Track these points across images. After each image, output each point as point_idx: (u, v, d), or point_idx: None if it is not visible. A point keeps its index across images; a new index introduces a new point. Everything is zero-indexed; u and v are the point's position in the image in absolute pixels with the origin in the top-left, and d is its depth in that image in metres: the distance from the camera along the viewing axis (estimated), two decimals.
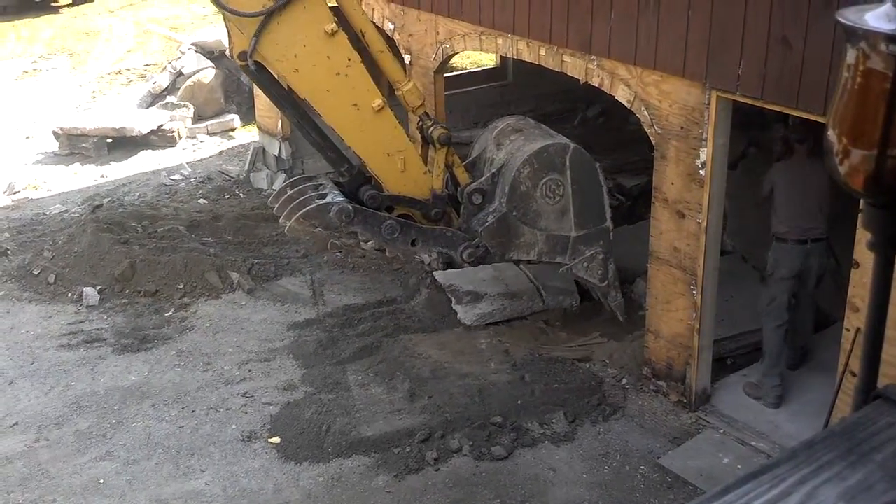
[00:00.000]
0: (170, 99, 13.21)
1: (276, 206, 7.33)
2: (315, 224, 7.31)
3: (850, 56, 1.73)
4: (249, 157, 11.48)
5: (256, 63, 6.64)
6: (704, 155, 6.23)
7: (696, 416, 6.78)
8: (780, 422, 6.57)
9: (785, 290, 6.64)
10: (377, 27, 7.02)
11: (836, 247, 6.80)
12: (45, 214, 10.43)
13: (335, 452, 6.49)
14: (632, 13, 6.43)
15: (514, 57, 7.81)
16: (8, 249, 9.40)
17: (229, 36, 6.71)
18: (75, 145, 12.23)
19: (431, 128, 7.14)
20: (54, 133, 12.38)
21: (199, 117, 13.05)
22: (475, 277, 8.51)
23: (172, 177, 11.51)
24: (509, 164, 7.19)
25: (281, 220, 7.20)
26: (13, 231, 9.92)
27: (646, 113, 6.56)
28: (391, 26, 8.85)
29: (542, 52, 7.30)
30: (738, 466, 6.21)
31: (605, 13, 6.63)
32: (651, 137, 6.60)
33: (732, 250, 8.40)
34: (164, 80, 13.52)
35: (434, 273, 8.72)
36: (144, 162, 12.05)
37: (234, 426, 6.82)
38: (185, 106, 12.96)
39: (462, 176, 7.34)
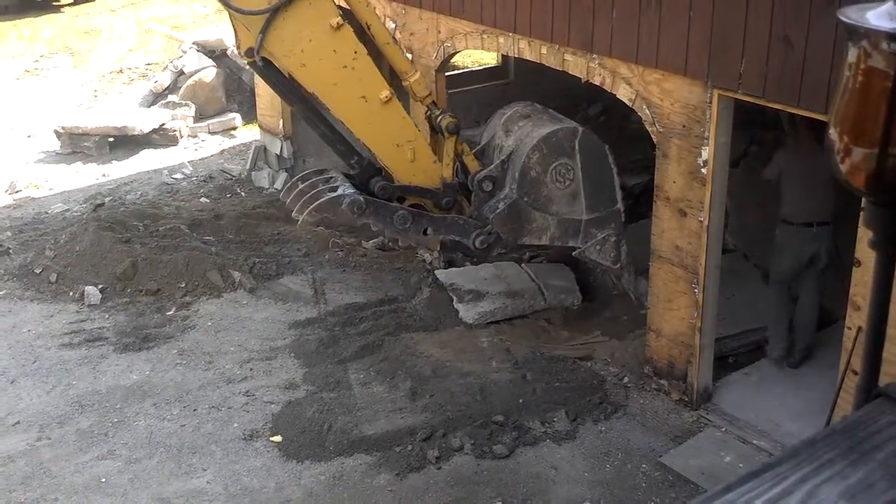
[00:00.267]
0: (171, 98, 13.21)
1: (289, 199, 7.33)
2: (327, 216, 7.32)
3: (852, 55, 1.73)
4: (251, 155, 11.48)
5: (264, 59, 6.67)
6: (706, 153, 6.23)
7: (697, 414, 6.78)
8: (782, 420, 6.57)
9: (789, 272, 6.89)
10: None
11: (838, 242, 6.82)
12: (46, 213, 10.44)
13: (337, 451, 6.49)
14: (633, 12, 6.43)
15: (516, 56, 7.80)
16: (10, 248, 9.41)
17: (236, 33, 6.74)
18: (77, 144, 12.24)
19: (440, 117, 7.16)
20: (56, 132, 12.39)
21: (200, 116, 13.06)
22: (476, 276, 8.51)
23: (174, 176, 11.51)
24: (518, 150, 7.18)
25: (293, 213, 7.20)
26: (15, 230, 9.93)
27: (647, 111, 6.56)
28: (393, 25, 8.85)
29: (544, 50, 7.30)
30: (740, 465, 6.21)
31: (606, 12, 6.63)
32: (653, 136, 6.59)
33: (734, 248, 8.40)
34: (165, 79, 13.51)
35: (435, 272, 8.72)
36: (146, 161, 12.06)
37: (235, 425, 6.83)
38: (186, 105, 12.96)
39: (472, 164, 7.35)
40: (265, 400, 7.09)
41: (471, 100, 11.53)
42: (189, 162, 11.94)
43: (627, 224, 8.90)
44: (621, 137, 10.58)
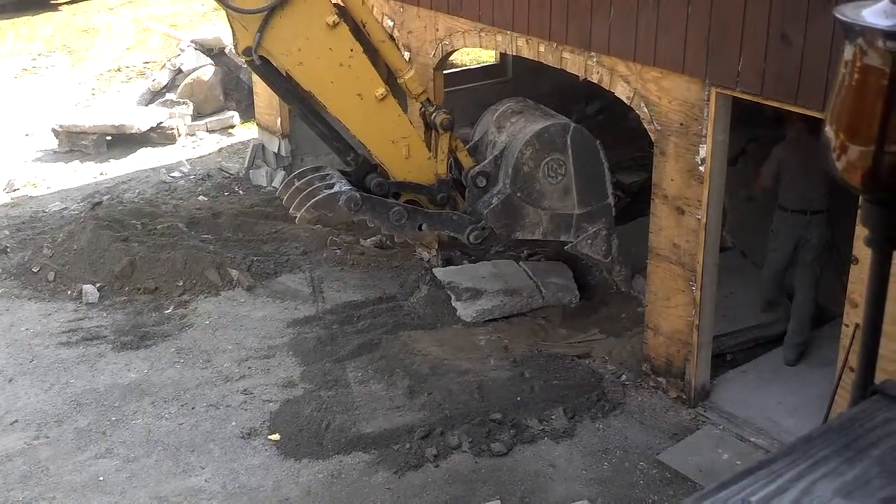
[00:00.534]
0: (169, 96, 13.19)
1: (286, 197, 7.40)
2: (325, 213, 7.40)
3: (848, 52, 1.72)
4: (249, 154, 11.47)
5: (261, 58, 6.73)
6: (704, 151, 6.23)
7: (695, 412, 6.78)
8: (780, 418, 6.58)
9: (782, 258, 7.10)
10: None
11: (837, 240, 6.85)
12: (44, 212, 10.43)
13: (335, 449, 6.50)
14: (631, 10, 6.43)
15: (514, 54, 7.81)
16: (7, 247, 9.40)
17: (233, 33, 6.80)
18: (75, 143, 12.22)
19: (434, 114, 7.23)
20: (54, 131, 12.37)
21: (198, 114, 13.04)
22: (474, 274, 8.52)
23: (172, 174, 11.50)
24: (511, 146, 7.29)
25: (291, 210, 7.26)
26: (13, 228, 9.92)
27: (645, 109, 6.56)
28: (391, 23, 8.84)
29: (542, 48, 7.30)
30: (737, 462, 6.21)
31: (604, 10, 6.63)
32: (650, 134, 6.60)
33: (732, 246, 8.41)
34: (163, 78, 13.50)
35: (433, 270, 8.72)
36: (144, 159, 12.04)
37: (233, 423, 6.83)
38: (184, 103, 12.94)
39: (466, 160, 7.45)
40: (263, 398, 7.09)
41: (468, 98, 11.52)
42: (187, 160, 11.93)
43: (626, 222, 8.94)
44: (619, 135, 10.60)
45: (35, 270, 8.89)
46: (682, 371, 6.82)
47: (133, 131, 12.27)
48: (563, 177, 7.29)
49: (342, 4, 6.99)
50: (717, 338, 7.01)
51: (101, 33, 16.86)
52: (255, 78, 10.65)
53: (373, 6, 8.97)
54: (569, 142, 7.24)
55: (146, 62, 15.08)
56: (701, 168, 6.28)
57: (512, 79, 11.90)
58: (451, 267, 8.71)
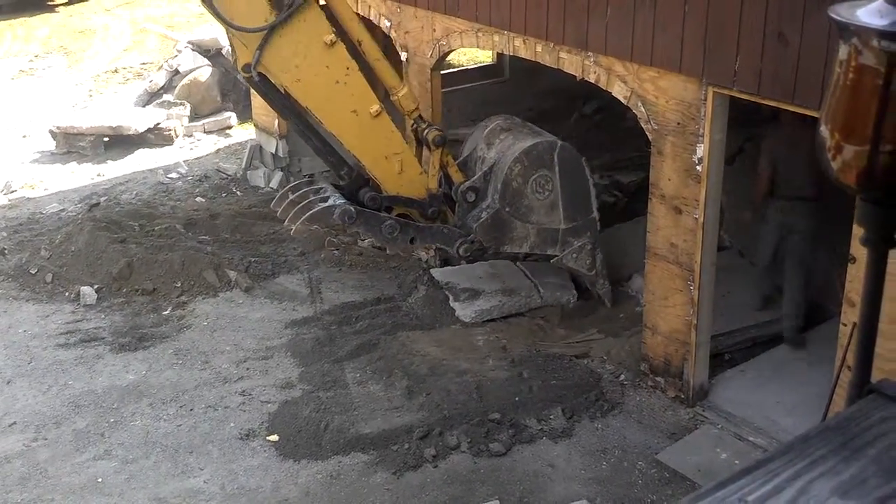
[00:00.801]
0: (166, 97, 13.17)
1: (280, 210, 7.57)
2: (319, 226, 7.57)
3: (843, 52, 1.73)
4: (246, 155, 11.46)
5: (260, 74, 6.87)
6: (701, 151, 6.23)
7: (693, 411, 6.79)
8: (778, 417, 6.58)
9: (770, 249, 7.33)
10: (372, 35, 7.23)
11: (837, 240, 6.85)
12: (41, 213, 10.42)
13: (333, 450, 6.50)
14: (628, 9, 6.43)
15: (511, 54, 7.82)
16: (5, 249, 9.40)
17: (233, 49, 6.97)
18: (72, 144, 12.21)
19: (426, 130, 7.45)
20: (51, 132, 12.36)
21: (195, 115, 13.03)
22: (472, 274, 8.53)
23: (169, 175, 11.49)
24: (500, 162, 7.50)
25: (286, 222, 7.42)
26: (10, 230, 9.91)
27: (642, 109, 6.56)
28: (388, 23, 8.84)
29: (539, 48, 7.31)
30: (736, 461, 6.21)
31: (601, 10, 6.63)
32: (648, 133, 6.60)
33: (729, 246, 8.42)
34: (160, 79, 13.48)
35: (431, 270, 8.73)
36: (141, 160, 12.04)
37: (232, 424, 6.83)
38: (181, 104, 12.93)
39: (456, 175, 7.65)
40: (261, 399, 7.09)
41: (466, 98, 11.53)
42: (184, 161, 11.92)
43: (624, 222, 8.97)
44: (617, 135, 10.61)
45: (33, 272, 8.88)
46: (681, 370, 6.82)
47: (130, 132, 12.27)
48: (550, 192, 7.54)
49: (340, 24, 7.11)
50: (716, 337, 7.01)
51: (97, 34, 16.86)
52: None
53: (370, 7, 8.98)
54: (556, 159, 7.49)
55: (143, 63, 15.08)
56: (698, 167, 6.29)
57: (509, 79, 11.92)
58: (449, 267, 8.72)
